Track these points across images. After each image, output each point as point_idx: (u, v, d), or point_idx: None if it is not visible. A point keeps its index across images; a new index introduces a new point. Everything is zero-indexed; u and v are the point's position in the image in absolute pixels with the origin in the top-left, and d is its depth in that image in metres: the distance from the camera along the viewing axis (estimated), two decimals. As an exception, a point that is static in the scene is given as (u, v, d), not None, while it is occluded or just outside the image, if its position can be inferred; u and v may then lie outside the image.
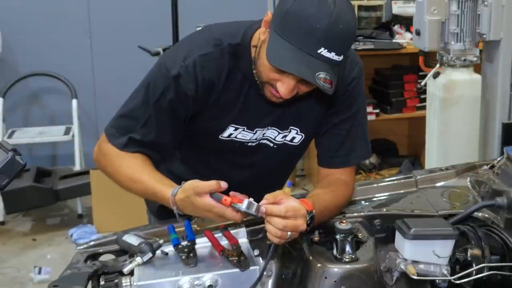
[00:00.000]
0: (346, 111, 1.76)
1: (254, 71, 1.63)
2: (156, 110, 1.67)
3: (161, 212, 1.96)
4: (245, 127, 1.74)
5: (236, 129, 1.74)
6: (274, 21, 1.52)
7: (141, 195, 1.73)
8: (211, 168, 1.86)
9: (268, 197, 1.50)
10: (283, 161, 1.89)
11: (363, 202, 1.85)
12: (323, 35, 1.45)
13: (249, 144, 1.78)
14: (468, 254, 1.58)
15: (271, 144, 1.80)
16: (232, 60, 1.66)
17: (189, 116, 1.70)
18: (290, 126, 1.77)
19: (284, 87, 1.54)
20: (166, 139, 1.72)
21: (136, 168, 1.68)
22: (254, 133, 1.76)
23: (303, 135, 1.79)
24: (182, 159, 1.90)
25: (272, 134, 1.78)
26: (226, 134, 1.74)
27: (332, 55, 1.47)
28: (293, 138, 1.79)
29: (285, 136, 1.78)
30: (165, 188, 1.60)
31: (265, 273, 1.54)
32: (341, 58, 1.50)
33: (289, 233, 1.48)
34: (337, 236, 1.57)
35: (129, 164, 1.69)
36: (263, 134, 1.77)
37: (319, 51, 1.46)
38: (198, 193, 1.51)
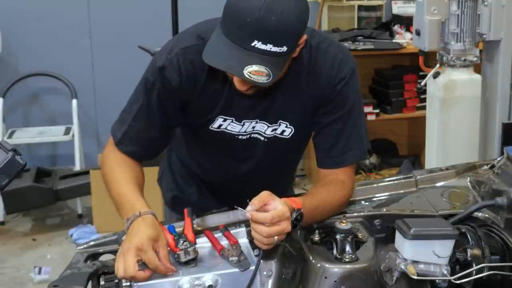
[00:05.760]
0: (336, 111, 1.75)
1: None
2: (147, 102, 1.72)
3: (175, 202, 2.05)
4: (234, 119, 1.76)
5: (225, 120, 1.76)
6: (222, 17, 1.55)
7: (113, 198, 1.68)
8: (210, 158, 1.92)
9: (254, 202, 1.48)
10: (280, 156, 1.88)
11: (363, 202, 1.84)
12: (254, 28, 1.46)
13: (240, 137, 1.79)
14: (468, 254, 1.58)
15: (262, 138, 1.81)
16: None
17: (178, 107, 1.74)
18: (279, 120, 1.78)
19: (236, 82, 1.58)
20: (155, 133, 1.75)
21: (128, 175, 1.70)
22: (242, 125, 1.77)
23: (292, 128, 1.79)
24: (187, 148, 1.96)
25: (262, 128, 1.79)
26: (216, 125, 1.77)
27: (269, 47, 1.47)
28: (283, 131, 1.80)
29: (275, 129, 1.79)
30: (138, 203, 1.59)
31: (265, 273, 1.54)
32: (283, 48, 1.49)
33: (275, 237, 1.48)
34: (337, 236, 1.57)
35: (124, 169, 1.72)
36: (253, 127, 1.78)
37: (252, 44, 1.47)
38: (155, 241, 1.49)
